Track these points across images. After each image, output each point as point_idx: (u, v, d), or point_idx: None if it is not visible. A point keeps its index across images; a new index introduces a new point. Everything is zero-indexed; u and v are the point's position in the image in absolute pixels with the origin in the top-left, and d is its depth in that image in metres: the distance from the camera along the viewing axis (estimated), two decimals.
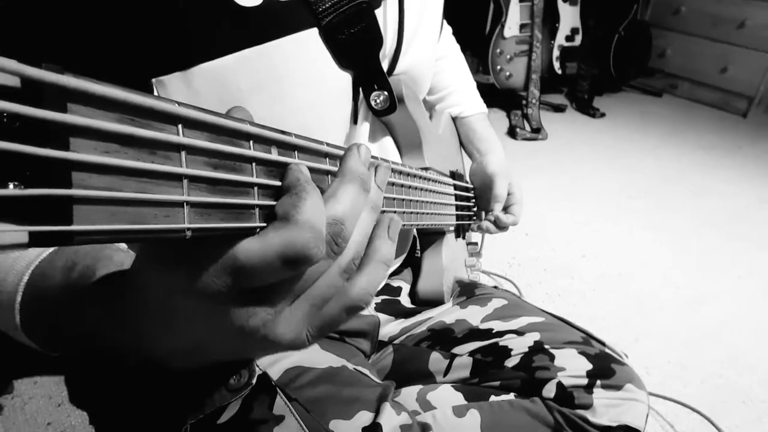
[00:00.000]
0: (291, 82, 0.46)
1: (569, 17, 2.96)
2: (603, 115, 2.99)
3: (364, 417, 0.51)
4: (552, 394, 0.60)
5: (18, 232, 0.15)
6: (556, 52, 2.97)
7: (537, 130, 2.62)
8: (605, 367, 0.61)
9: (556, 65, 2.99)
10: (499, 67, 2.68)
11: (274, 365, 0.53)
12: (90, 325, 0.33)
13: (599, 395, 0.59)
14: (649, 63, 3.41)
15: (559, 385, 0.60)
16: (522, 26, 2.67)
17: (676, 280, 1.59)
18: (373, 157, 0.34)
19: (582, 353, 0.63)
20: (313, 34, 0.46)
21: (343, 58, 0.49)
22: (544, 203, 1.97)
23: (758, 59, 3.05)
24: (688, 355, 1.30)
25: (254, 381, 0.50)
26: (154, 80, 0.41)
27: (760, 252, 1.79)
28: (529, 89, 2.70)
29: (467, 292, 0.76)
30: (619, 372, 0.61)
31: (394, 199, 0.45)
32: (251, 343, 0.27)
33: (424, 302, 0.75)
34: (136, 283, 0.28)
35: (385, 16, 0.54)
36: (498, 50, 2.66)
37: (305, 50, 0.46)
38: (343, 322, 0.29)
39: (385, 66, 0.55)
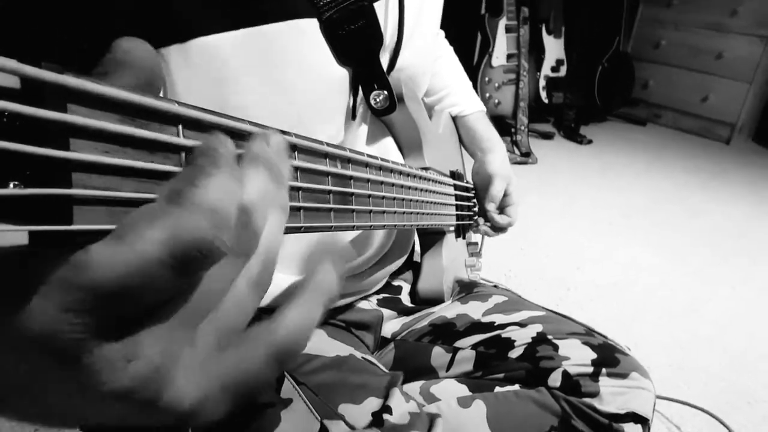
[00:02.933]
0: (286, 68, 0.46)
1: (554, 49, 3.06)
2: (590, 141, 3.05)
3: (373, 403, 0.50)
4: (558, 383, 0.59)
5: (18, 232, 0.15)
6: (542, 83, 3.05)
7: (527, 155, 2.66)
8: (610, 356, 0.61)
9: (543, 95, 3.07)
10: (488, 95, 2.74)
11: None
12: None
13: (605, 383, 0.58)
14: (633, 93, 3.51)
15: (565, 374, 0.59)
16: (509, 56, 2.75)
17: (671, 290, 1.62)
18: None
19: (586, 343, 0.62)
20: (313, 25, 0.47)
21: (342, 55, 0.50)
22: (538, 221, 1.99)
23: (737, 88, 3.15)
24: (689, 359, 1.30)
25: None
26: None
27: (753, 266, 1.81)
28: (518, 116, 2.76)
29: (467, 290, 0.76)
30: (624, 361, 0.61)
31: (394, 199, 0.46)
32: (130, 412, 0.18)
33: (424, 302, 0.74)
34: None
35: (387, 11, 0.54)
36: (486, 78, 2.72)
37: (303, 39, 0.47)
38: (261, 380, 0.20)
39: (384, 61, 0.56)
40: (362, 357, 0.57)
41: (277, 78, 0.46)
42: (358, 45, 0.50)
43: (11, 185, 0.15)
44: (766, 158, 3.09)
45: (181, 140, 0.21)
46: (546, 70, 3.05)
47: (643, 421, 0.58)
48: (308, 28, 0.47)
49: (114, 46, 0.19)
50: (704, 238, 1.98)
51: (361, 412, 0.48)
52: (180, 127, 0.21)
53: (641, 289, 1.60)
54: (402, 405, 0.50)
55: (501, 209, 0.85)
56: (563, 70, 3.11)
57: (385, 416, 0.48)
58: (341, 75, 0.51)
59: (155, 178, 0.20)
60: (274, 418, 0.47)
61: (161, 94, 0.21)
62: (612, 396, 0.58)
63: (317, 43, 0.48)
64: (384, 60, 0.55)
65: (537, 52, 2.99)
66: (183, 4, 0.40)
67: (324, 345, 0.56)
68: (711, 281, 1.68)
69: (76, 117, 0.17)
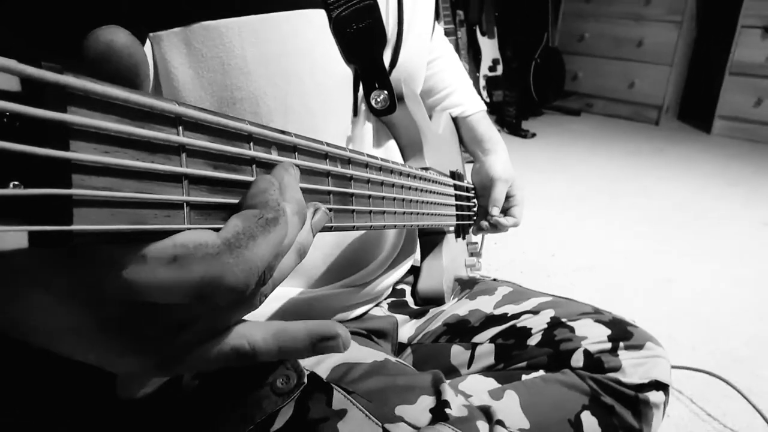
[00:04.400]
0: (297, 61, 0.46)
1: (489, 49, 3.16)
2: (534, 135, 3.16)
3: (427, 401, 0.49)
4: (581, 363, 0.60)
5: (18, 232, 0.15)
6: (482, 82, 3.14)
7: None
8: (623, 330, 0.63)
9: (484, 94, 3.16)
10: None
11: (319, 364, 0.51)
12: None
13: (625, 356, 0.60)
14: (565, 86, 3.67)
15: (586, 352, 0.60)
16: None
17: (643, 265, 1.70)
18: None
19: (598, 321, 0.64)
20: (320, 16, 0.47)
21: (349, 53, 0.50)
22: None
23: (659, 72, 3.37)
24: (674, 329, 1.37)
25: (305, 380, 0.47)
26: (151, 35, 0.39)
27: (709, 234, 1.95)
28: None
29: (468, 287, 0.76)
30: (636, 333, 0.63)
31: (394, 199, 0.46)
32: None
33: (424, 302, 0.74)
34: None
35: (387, 7, 0.55)
36: None
37: (312, 29, 0.46)
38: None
39: (386, 59, 0.56)
40: (397, 360, 0.57)
41: (287, 70, 0.45)
42: (365, 43, 0.50)
43: (11, 185, 0.15)
44: (692, 134, 3.32)
45: (182, 139, 0.21)
46: (484, 69, 3.15)
47: (664, 387, 0.60)
48: (316, 19, 0.47)
49: (93, 36, 0.19)
50: (661, 215, 2.10)
51: (418, 410, 0.48)
52: (180, 126, 0.21)
53: (616, 269, 1.68)
54: (455, 399, 0.50)
55: (505, 211, 0.85)
56: (500, 69, 3.22)
57: (447, 410, 0.47)
58: (346, 72, 0.51)
59: (156, 179, 0.20)
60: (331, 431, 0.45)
61: (149, 83, 0.21)
62: (633, 368, 0.60)
63: (325, 35, 0.48)
64: (386, 58, 0.56)
65: (474, 53, 3.09)
66: None
67: (358, 353, 0.55)
68: (677, 256, 1.78)
69: (75, 117, 0.17)
